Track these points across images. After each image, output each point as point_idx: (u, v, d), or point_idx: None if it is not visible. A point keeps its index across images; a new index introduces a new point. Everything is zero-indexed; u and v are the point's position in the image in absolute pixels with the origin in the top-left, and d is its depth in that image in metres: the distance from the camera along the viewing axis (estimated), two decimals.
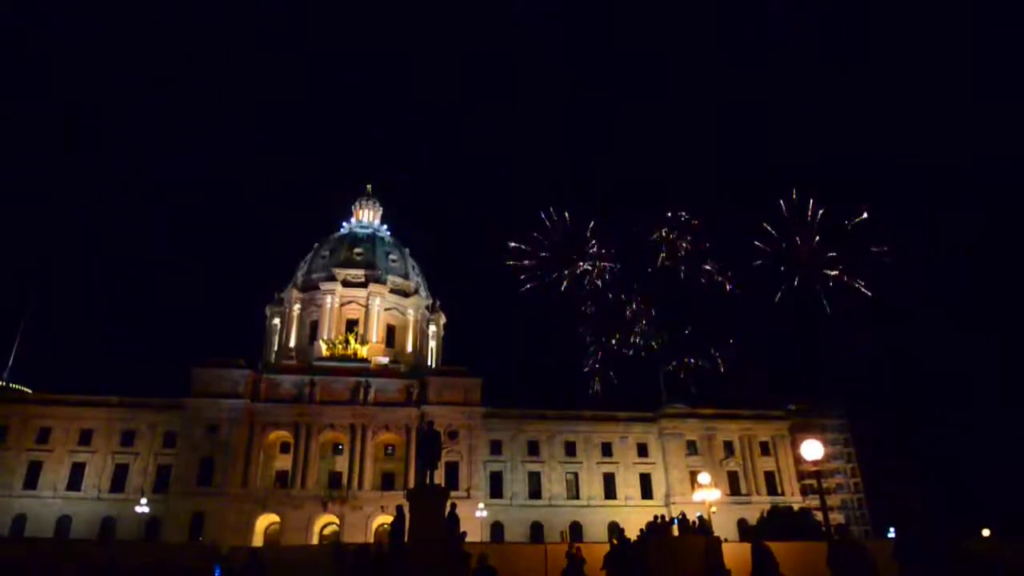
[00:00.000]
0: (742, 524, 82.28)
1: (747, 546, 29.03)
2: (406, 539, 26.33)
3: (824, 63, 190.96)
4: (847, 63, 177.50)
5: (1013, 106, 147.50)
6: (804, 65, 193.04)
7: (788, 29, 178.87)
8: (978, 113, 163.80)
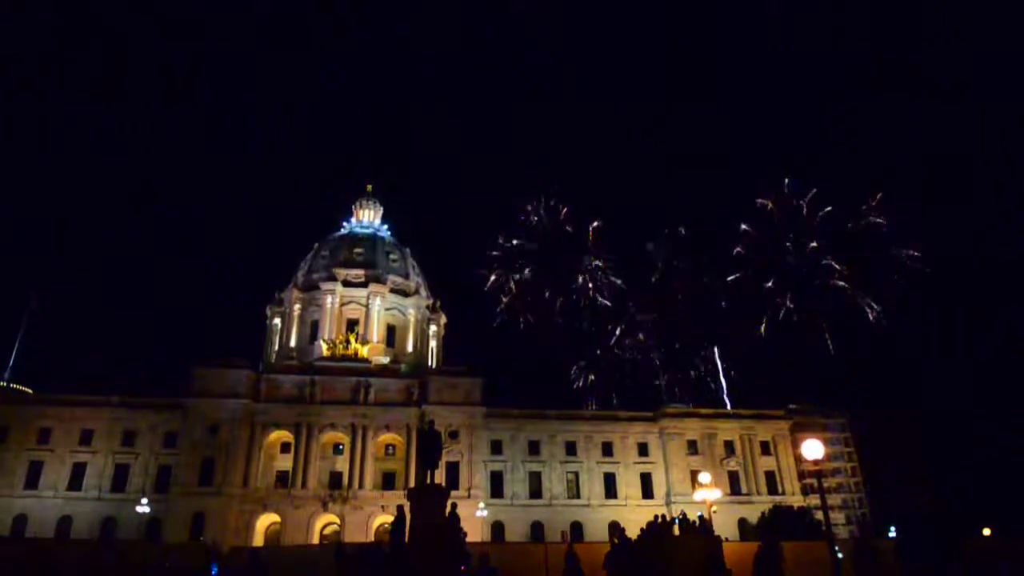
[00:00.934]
0: (743, 524, 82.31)
1: (748, 545, 29.07)
2: (407, 539, 26.34)
3: (819, 58, 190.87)
4: (842, 58, 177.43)
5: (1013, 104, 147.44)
6: (800, 61, 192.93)
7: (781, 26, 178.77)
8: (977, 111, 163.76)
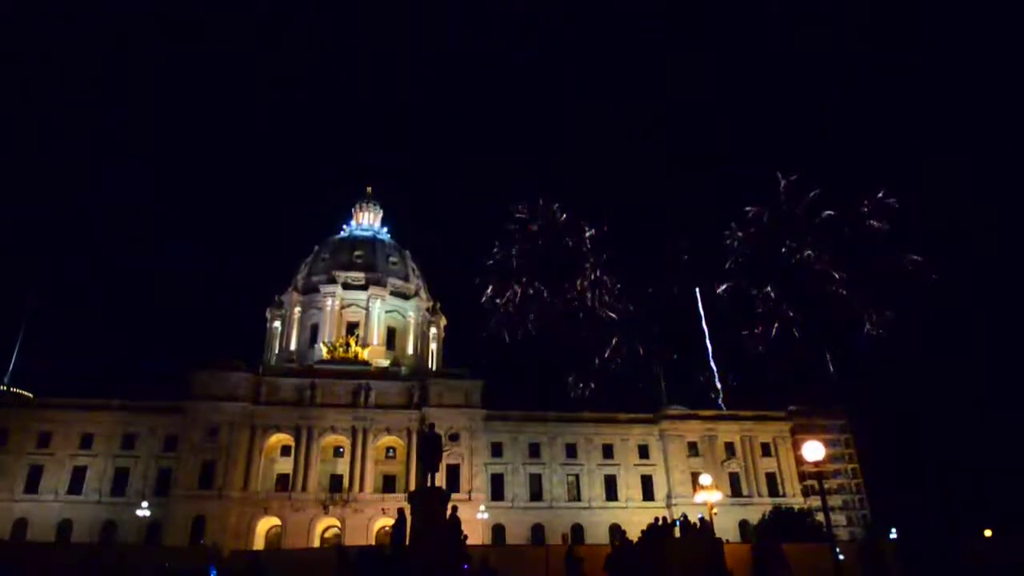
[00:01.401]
0: (743, 525, 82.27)
1: (749, 547, 29.02)
2: (407, 542, 26.34)
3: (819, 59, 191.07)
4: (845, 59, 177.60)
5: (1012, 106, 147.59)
6: (800, 61, 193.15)
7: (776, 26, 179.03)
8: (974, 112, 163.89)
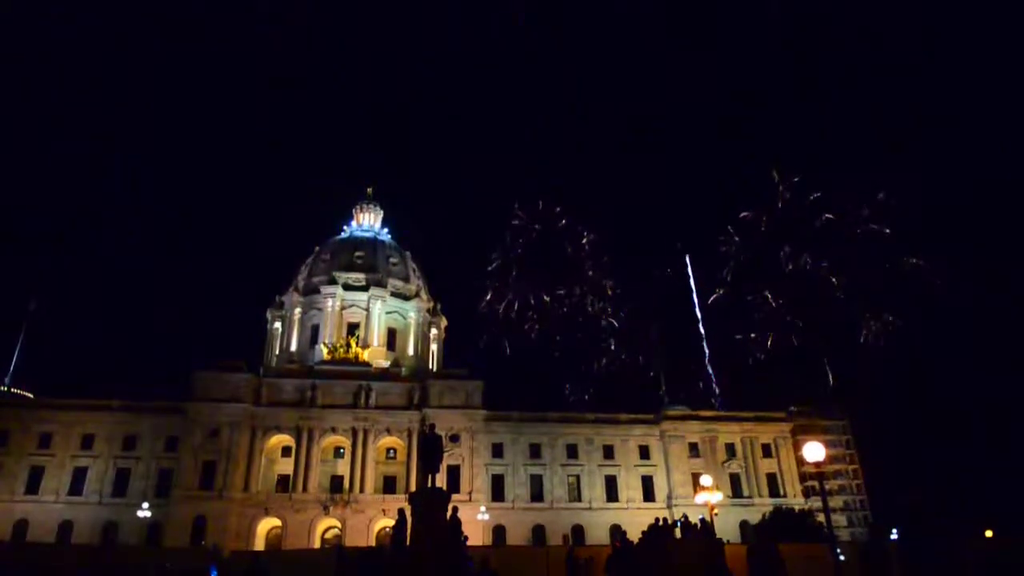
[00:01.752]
0: (744, 526, 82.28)
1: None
2: (408, 542, 26.37)
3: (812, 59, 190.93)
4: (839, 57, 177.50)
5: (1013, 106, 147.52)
6: (799, 63, 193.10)
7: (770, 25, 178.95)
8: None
